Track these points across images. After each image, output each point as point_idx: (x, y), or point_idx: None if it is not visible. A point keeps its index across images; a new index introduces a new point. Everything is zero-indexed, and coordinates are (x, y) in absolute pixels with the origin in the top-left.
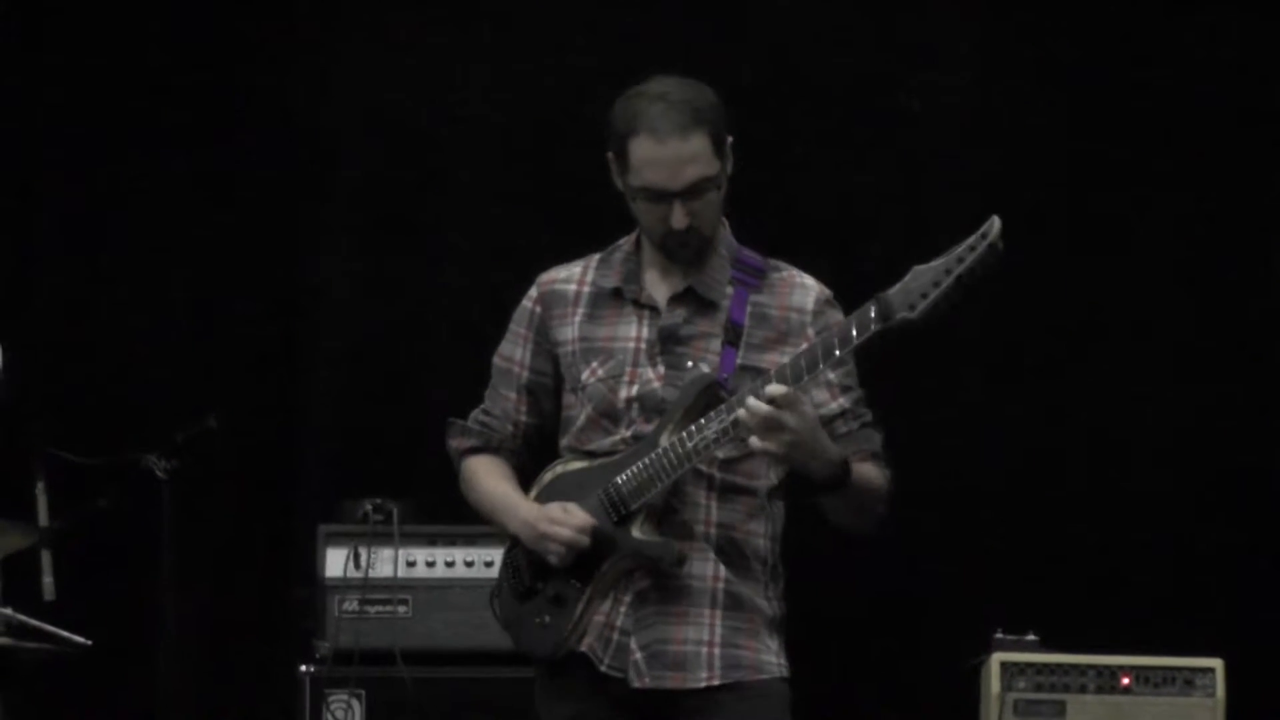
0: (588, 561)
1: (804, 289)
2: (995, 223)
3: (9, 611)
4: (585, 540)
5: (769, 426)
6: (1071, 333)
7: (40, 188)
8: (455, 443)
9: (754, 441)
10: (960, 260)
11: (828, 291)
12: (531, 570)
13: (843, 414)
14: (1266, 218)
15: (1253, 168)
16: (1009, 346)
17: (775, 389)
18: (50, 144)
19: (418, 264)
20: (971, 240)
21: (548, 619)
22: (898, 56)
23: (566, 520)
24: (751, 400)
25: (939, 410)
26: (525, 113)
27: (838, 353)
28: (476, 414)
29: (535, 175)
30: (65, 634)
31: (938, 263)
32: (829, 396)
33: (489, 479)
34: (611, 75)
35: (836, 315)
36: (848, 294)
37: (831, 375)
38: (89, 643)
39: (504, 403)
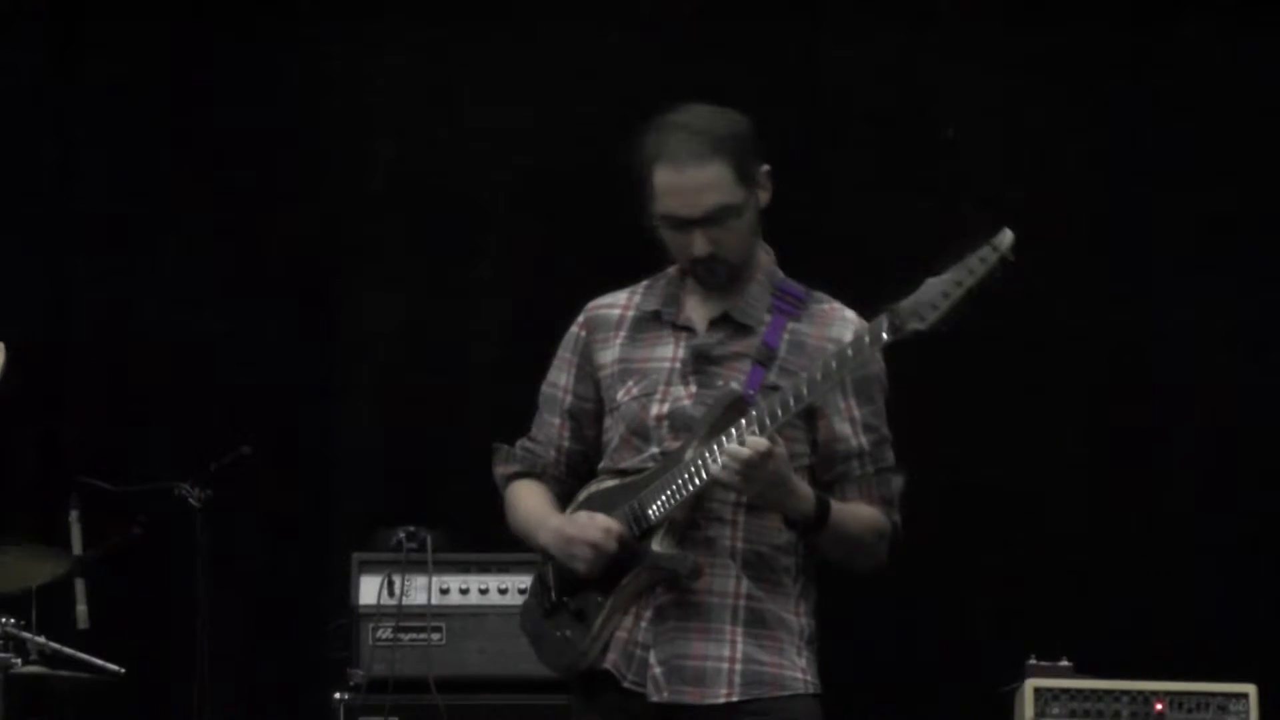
0: (611, 575)
1: (844, 322)
2: (1007, 234)
3: (43, 640)
4: (612, 544)
5: (739, 473)
6: (1105, 357)
7: (80, 217)
8: (500, 469)
9: (723, 476)
10: (971, 272)
11: (867, 325)
12: (558, 585)
13: (860, 455)
14: None
15: None
16: (1044, 371)
17: (755, 441)
18: (89, 172)
19: (453, 296)
20: (982, 252)
21: (568, 633)
22: (933, 86)
23: (592, 524)
24: (731, 447)
25: (973, 436)
26: (562, 151)
27: (850, 355)
28: (522, 441)
29: (571, 213)
30: (99, 662)
31: (948, 274)
32: (850, 432)
33: (528, 500)
34: (648, 112)
35: (875, 352)
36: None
37: (857, 412)
38: (123, 671)
39: (548, 429)
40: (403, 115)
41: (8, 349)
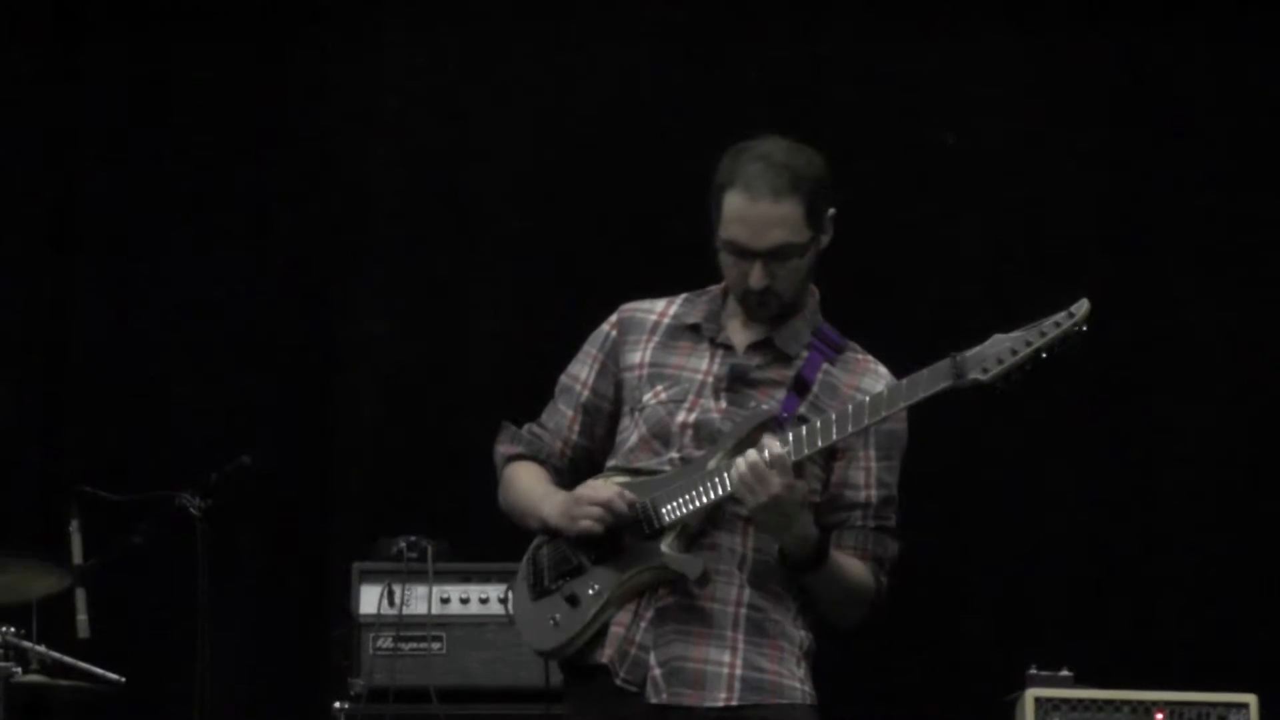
0: (610, 567)
1: (876, 375)
2: (1084, 305)
3: (43, 649)
4: (623, 506)
5: (750, 484)
6: (1106, 372)
7: (79, 225)
8: (503, 448)
9: (732, 481)
10: (1042, 334)
11: (897, 382)
12: (552, 570)
13: (865, 507)
14: None
15: None
16: (1044, 386)
17: (774, 447)
18: (90, 183)
19: (452, 306)
20: (1058, 317)
21: (558, 617)
22: (934, 94)
23: (605, 486)
24: (751, 453)
25: (977, 448)
26: (563, 163)
27: (903, 403)
28: (530, 425)
29: (571, 225)
30: (100, 671)
31: (1019, 332)
32: (862, 482)
33: (530, 478)
34: (647, 113)
35: (929, 393)
36: (881, 332)
37: (874, 464)
38: (123, 680)
39: (559, 418)
40: (403, 115)
41: (7, 354)
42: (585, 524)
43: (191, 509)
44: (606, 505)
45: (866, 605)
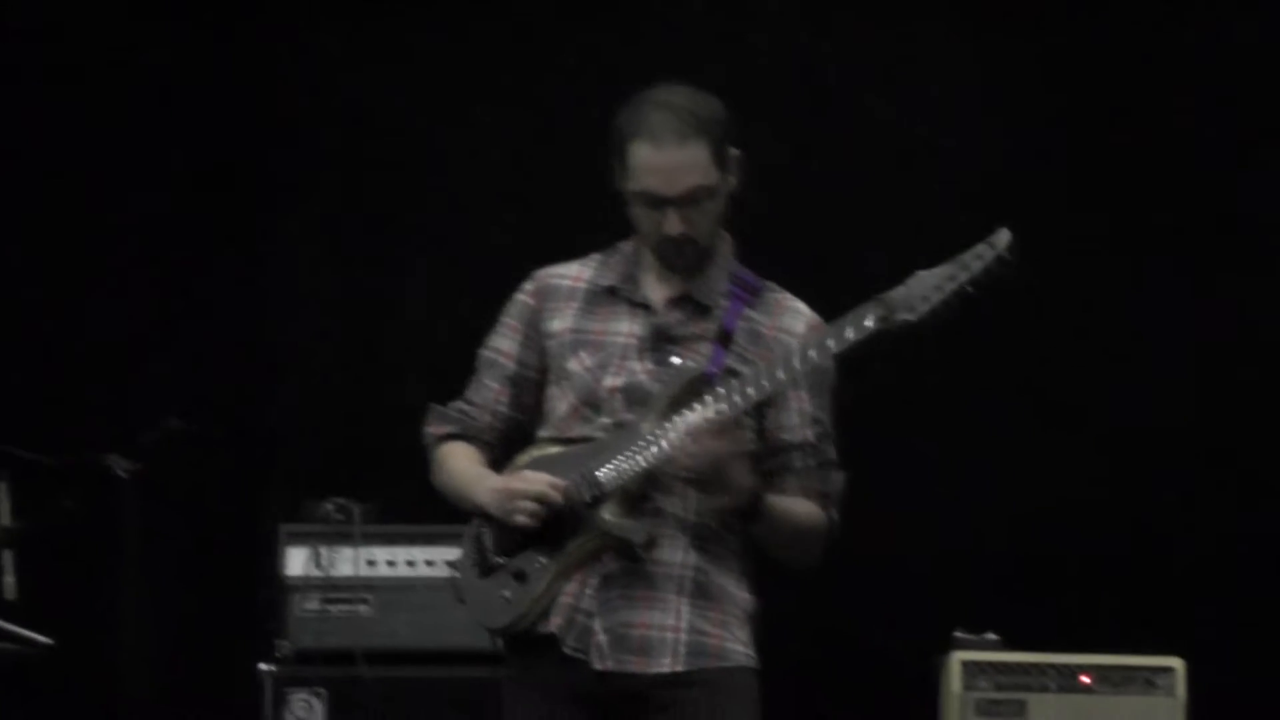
0: (554, 539)
1: (795, 313)
2: (1004, 234)
3: None
4: (558, 498)
5: (692, 449)
6: (1048, 337)
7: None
8: (432, 429)
9: (677, 458)
10: (965, 268)
11: (818, 318)
12: (496, 546)
13: (803, 447)
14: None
15: (1257, 183)
16: (984, 351)
17: (710, 411)
18: (11, 135)
19: (384, 269)
20: (979, 249)
21: (508, 594)
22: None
23: (538, 479)
24: (689, 417)
25: (905, 410)
26: (499, 125)
27: (834, 349)
28: (457, 402)
29: (505, 187)
30: (27, 633)
31: (942, 269)
32: (797, 423)
33: (460, 460)
34: (601, 92)
35: (859, 338)
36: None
37: (807, 404)
38: (51, 642)
39: (486, 393)
40: (346, 102)
41: None
42: (519, 519)
43: (119, 471)
44: (539, 499)
45: (822, 542)
